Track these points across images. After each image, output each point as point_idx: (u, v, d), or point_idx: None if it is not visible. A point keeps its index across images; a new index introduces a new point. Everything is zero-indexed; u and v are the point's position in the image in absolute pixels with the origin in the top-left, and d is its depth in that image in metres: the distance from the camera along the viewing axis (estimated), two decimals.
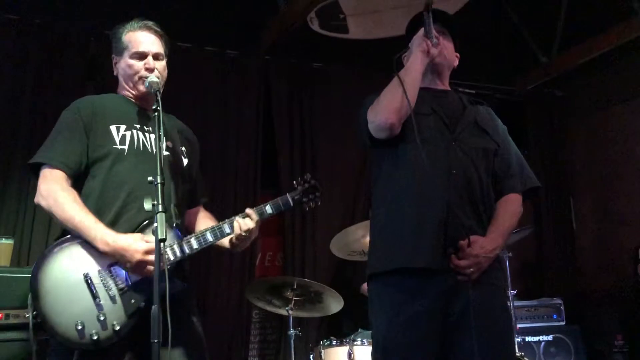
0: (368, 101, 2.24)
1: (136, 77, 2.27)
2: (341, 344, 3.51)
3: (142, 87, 2.26)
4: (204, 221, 2.46)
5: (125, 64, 2.29)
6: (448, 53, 2.32)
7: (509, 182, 2.26)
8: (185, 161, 2.36)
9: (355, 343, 3.47)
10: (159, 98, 2.06)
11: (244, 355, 4.47)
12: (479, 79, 5.44)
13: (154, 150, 2.20)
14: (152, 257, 1.97)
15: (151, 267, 1.98)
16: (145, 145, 2.23)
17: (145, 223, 2.12)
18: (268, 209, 2.36)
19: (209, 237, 2.22)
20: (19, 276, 2.83)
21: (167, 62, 2.35)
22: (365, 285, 3.98)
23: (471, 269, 2.04)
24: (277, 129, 4.86)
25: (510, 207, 2.24)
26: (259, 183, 4.67)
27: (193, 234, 2.23)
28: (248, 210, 2.30)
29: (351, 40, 4.54)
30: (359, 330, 3.86)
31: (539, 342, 4.58)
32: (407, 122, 2.13)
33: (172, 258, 2.12)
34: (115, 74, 2.37)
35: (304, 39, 4.58)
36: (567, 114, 5.86)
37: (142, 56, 2.27)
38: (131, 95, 2.32)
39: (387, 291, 2.14)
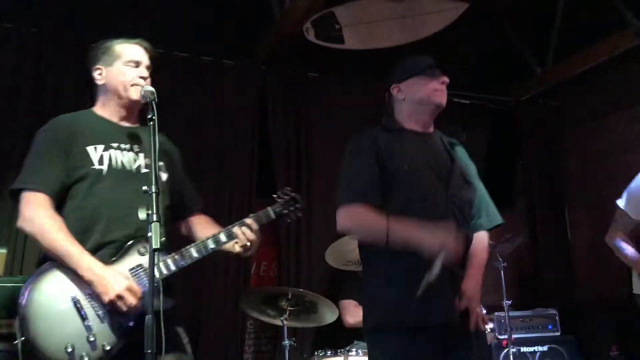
0: (344, 178, 2.42)
1: (129, 84, 2.27)
2: (336, 354, 3.51)
3: (134, 95, 2.26)
4: (206, 227, 2.43)
5: (117, 71, 2.29)
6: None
7: (477, 221, 2.41)
8: (164, 176, 2.33)
9: (350, 354, 3.46)
10: (154, 107, 2.05)
11: None
12: (473, 89, 5.45)
13: (133, 169, 2.22)
14: (130, 296, 2.00)
15: (124, 307, 2.00)
16: (124, 164, 2.22)
17: (130, 243, 2.12)
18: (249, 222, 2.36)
19: (194, 254, 2.22)
20: (10, 286, 2.81)
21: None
22: (348, 320, 3.98)
23: (476, 309, 2.18)
24: (273, 138, 4.85)
25: (480, 244, 2.39)
26: (254, 192, 4.66)
27: (178, 251, 2.21)
28: (236, 229, 2.31)
29: (347, 50, 4.55)
30: (354, 341, 3.85)
31: (534, 352, 4.56)
32: (403, 178, 2.22)
33: (157, 275, 2.11)
34: (101, 83, 2.33)
35: (300, 49, 4.59)
36: (562, 124, 5.87)
37: (136, 64, 2.29)
38: (114, 108, 2.31)
39: (388, 340, 2.20)
